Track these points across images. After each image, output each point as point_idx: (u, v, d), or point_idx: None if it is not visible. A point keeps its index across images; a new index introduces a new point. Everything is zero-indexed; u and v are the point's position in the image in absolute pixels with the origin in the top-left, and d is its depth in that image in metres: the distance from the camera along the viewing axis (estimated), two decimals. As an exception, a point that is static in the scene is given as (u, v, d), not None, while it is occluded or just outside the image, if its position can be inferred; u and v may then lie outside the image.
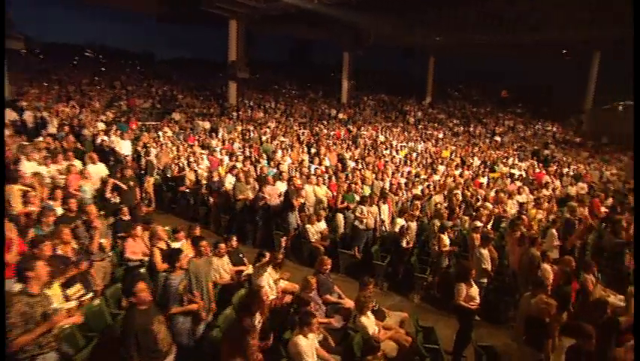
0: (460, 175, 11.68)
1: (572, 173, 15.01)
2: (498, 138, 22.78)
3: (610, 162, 19.93)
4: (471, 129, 24.94)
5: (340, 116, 27.89)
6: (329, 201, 9.10)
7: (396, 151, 15.84)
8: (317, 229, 7.87)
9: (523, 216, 7.58)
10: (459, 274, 5.12)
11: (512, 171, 13.69)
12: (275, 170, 10.60)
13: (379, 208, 8.10)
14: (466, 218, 8.19)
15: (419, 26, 28.79)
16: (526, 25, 25.81)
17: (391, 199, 8.88)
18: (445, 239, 6.77)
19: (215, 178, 9.29)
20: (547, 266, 6.24)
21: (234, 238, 6.34)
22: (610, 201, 11.54)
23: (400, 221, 7.68)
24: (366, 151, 15.25)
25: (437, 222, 7.25)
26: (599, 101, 30.13)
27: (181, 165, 10.95)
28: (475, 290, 5.05)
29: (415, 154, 15.41)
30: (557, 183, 12.69)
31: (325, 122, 25.11)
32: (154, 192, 10.99)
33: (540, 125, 27.13)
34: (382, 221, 8.14)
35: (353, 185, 9.32)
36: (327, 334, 4.65)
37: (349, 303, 5.27)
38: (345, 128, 22.86)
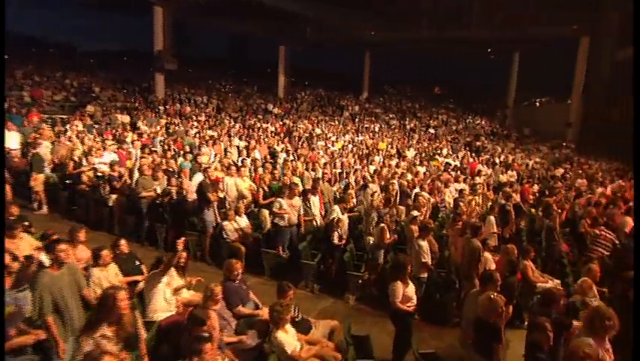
0: (397, 165, 11.23)
1: (502, 162, 15.34)
2: (432, 131, 23.18)
3: (532, 151, 21.05)
4: (406, 123, 25.19)
5: (276, 110, 27.10)
6: (254, 196, 8.06)
7: (332, 143, 15.17)
8: (236, 226, 6.80)
9: (462, 205, 7.12)
10: (393, 270, 4.35)
11: (447, 160, 13.60)
12: (191, 163, 9.31)
13: (309, 201, 7.22)
14: (402, 208, 7.57)
15: (354, 20, 28.84)
16: (453, 23, 26.78)
17: (324, 190, 8.04)
18: (387, 230, 6.03)
19: (115, 173, 7.83)
20: (488, 255, 5.76)
21: (123, 242, 5.06)
22: (536, 187, 11.79)
23: (337, 209, 6.84)
24: (300, 143, 14.39)
25: (374, 214, 6.50)
26: (520, 98, 32.50)
27: (76, 159, 9.23)
28: (411, 289, 4.32)
29: (350, 146, 14.84)
30: (490, 171, 12.79)
31: (260, 117, 24.11)
32: (46, 192, 9.20)
33: (471, 119, 28.24)
34: (313, 215, 7.26)
35: (283, 176, 8.38)
36: (235, 357, 3.64)
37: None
38: (281, 123, 22.02)
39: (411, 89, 38.31)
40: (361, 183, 8.70)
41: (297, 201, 7.06)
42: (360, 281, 6.07)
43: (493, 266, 5.79)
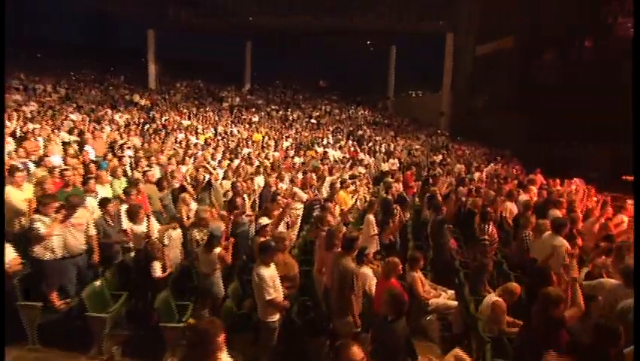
0: (266, 157, 9.33)
1: (383, 150, 14.63)
2: (315, 121, 22.15)
3: (412, 139, 21.34)
4: (289, 113, 23.81)
5: (143, 102, 23.39)
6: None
7: (196, 135, 12.66)
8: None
9: (329, 205, 5.47)
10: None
11: (327, 150, 12.23)
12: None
13: (108, 213, 4.81)
14: (259, 215, 5.65)
15: (231, 3, 26.70)
16: (331, 11, 26.32)
17: (150, 195, 5.69)
18: (213, 254, 4.00)
19: None
20: (368, 272, 4.19)
21: None
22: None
23: (154, 222, 4.59)
24: (152, 137, 11.59)
25: (196, 230, 4.41)
26: (398, 90, 33.99)
27: None
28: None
29: (218, 138, 12.55)
30: (372, 160, 11.77)
31: (121, 109, 20.27)
32: None
33: (353, 110, 28.15)
34: (125, 232, 4.89)
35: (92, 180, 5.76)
36: None
37: None
38: (146, 115, 18.70)
39: (296, 82, 37.35)
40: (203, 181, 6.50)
41: (83, 215, 4.51)
42: (186, 332, 3.95)
43: (374, 287, 4.23)
